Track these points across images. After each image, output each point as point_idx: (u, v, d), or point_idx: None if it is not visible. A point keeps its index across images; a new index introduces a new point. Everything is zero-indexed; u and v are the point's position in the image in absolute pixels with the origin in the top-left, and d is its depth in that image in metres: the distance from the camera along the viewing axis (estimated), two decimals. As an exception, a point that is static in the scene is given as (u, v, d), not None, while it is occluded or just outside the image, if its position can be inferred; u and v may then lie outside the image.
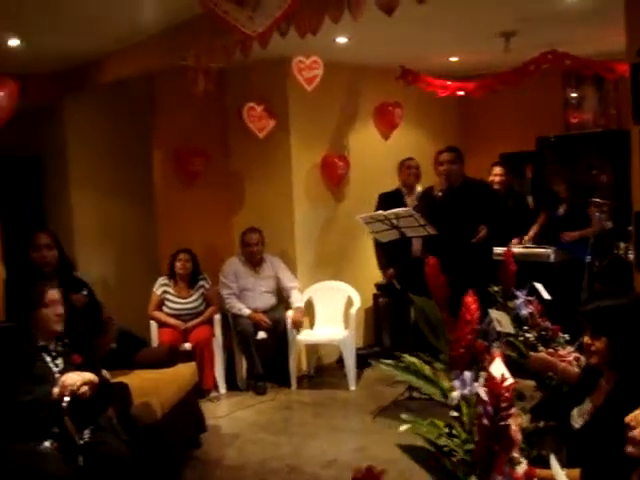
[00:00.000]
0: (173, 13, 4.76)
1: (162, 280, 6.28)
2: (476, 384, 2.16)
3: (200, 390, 5.67)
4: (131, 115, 6.86)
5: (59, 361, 3.63)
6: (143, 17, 4.75)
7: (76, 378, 3.43)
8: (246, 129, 6.56)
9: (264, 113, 6.49)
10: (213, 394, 6.15)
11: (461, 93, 6.94)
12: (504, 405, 1.81)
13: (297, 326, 6.34)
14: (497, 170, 6.92)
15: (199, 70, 4.76)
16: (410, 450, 2.15)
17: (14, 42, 5.27)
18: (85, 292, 4.39)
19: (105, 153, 6.96)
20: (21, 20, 4.84)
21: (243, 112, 6.47)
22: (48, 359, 3.62)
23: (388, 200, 6.34)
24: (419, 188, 6.51)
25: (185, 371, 5.11)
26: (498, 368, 2.04)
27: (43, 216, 7.39)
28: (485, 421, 1.84)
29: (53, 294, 3.73)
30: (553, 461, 2.03)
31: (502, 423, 1.83)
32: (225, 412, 5.81)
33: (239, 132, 6.82)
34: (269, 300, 6.50)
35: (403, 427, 2.19)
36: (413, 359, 2.45)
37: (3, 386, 3.44)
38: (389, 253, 6.32)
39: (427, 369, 2.39)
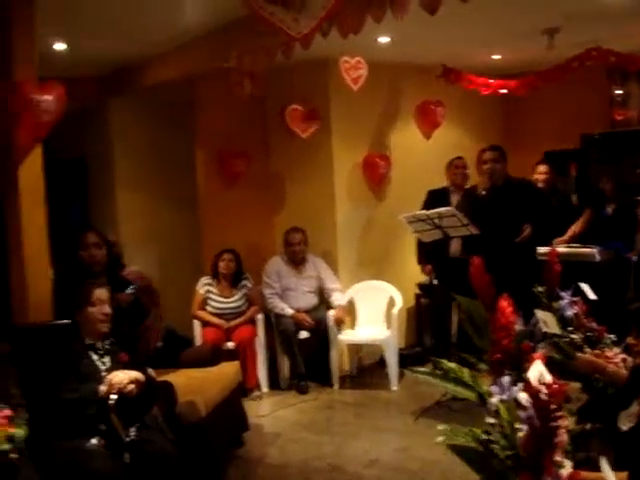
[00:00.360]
0: (215, 16, 4.80)
1: (205, 280, 6.34)
2: (515, 388, 2.13)
3: (243, 389, 5.70)
4: (174, 117, 6.94)
5: (106, 359, 3.68)
6: (185, 20, 4.80)
7: (123, 376, 3.48)
8: (287, 129, 6.59)
9: (307, 114, 6.51)
10: (256, 393, 6.18)
11: (504, 91, 6.88)
12: (554, 406, 1.80)
13: (339, 324, 6.35)
14: (542, 168, 6.83)
15: (245, 74, 4.78)
16: (460, 451, 2.13)
17: (60, 46, 5.37)
18: (131, 291, 4.44)
19: (149, 155, 7.06)
20: (67, 24, 4.93)
21: (286, 113, 6.50)
22: (95, 357, 3.67)
23: (435, 197, 6.35)
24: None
25: (229, 370, 5.15)
26: (538, 369, 2.02)
27: (88, 217, 7.51)
28: (535, 422, 1.82)
29: (100, 293, 3.76)
30: (604, 464, 2.00)
31: (553, 424, 1.81)
32: (267, 411, 5.84)
33: (280, 133, 6.85)
34: (311, 300, 6.52)
35: (439, 439, 2.18)
36: (452, 364, 2.43)
37: (51, 384, 3.50)
38: (427, 250, 6.31)
39: (466, 373, 2.37)
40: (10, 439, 2.96)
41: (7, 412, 3.03)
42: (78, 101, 6.12)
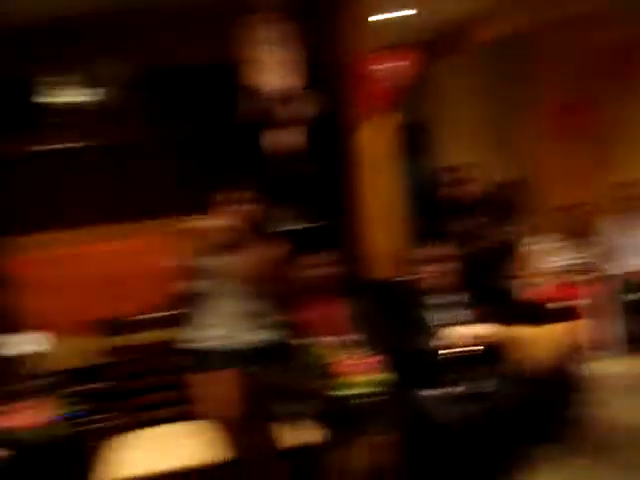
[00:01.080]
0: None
1: (548, 238, 6.27)
2: None
3: (577, 349, 5.60)
4: (511, 71, 6.86)
5: (454, 313, 3.79)
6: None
7: (465, 331, 3.63)
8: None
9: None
10: (589, 353, 6.03)
11: None
12: None
13: None
14: None
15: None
16: None
17: (408, 12, 5.53)
18: (486, 241, 4.59)
19: (483, 110, 7.09)
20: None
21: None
22: (440, 311, 3.80)
23: None
24: None
25: (562, 329, 5.06)
26: None
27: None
28: None
29: (428, 252, 3.88)
30: None
31: None
32: (600, 372, 5.67)
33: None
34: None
35: None
36: None
37: (393, 336, 3.70)
38: None
39: None
40: (378, 383, 3.27)
41: (378, 358, 3.34)
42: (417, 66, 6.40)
